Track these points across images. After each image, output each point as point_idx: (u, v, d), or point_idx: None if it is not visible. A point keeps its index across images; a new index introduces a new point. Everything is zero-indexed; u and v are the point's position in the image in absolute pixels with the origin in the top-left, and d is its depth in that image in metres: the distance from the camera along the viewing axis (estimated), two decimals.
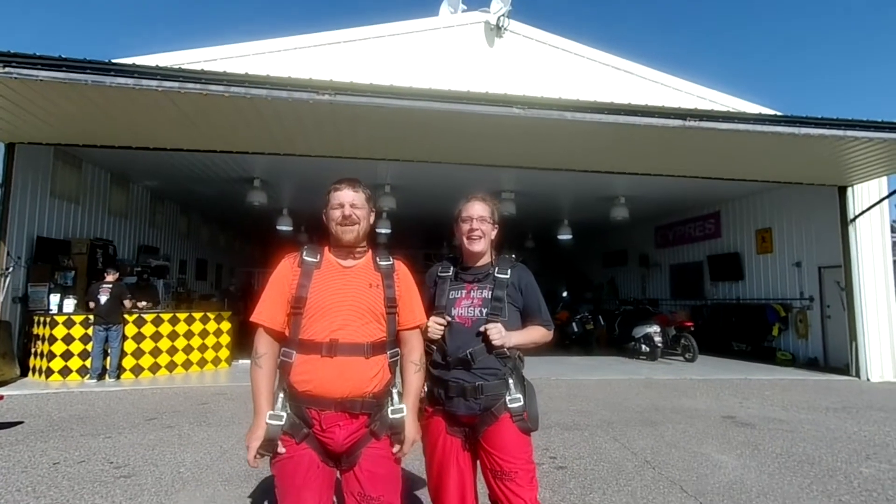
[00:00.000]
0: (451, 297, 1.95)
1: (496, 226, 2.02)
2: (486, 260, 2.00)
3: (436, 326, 1.88)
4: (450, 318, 1.89)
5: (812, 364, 9.59)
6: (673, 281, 14.03)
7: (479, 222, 1.95)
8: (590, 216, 13.32)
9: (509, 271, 1.95)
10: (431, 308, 1.98)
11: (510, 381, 1.87)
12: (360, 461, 1.58)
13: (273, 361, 1.63)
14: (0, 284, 6.85)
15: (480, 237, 1.95)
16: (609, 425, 4.95)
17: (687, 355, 9.98)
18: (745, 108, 9.01)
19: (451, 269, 2.02)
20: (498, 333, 1.82)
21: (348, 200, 1.67)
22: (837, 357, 9.21)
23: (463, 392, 1.83)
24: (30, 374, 7.38)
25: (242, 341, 8.92)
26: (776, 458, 4.02)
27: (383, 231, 12.60)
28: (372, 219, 1.76)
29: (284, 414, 1.57)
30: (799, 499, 3.21)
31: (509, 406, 1.83)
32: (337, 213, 1.67)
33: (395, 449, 1.65)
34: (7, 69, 5.04)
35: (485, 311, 1.88)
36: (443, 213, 13.42)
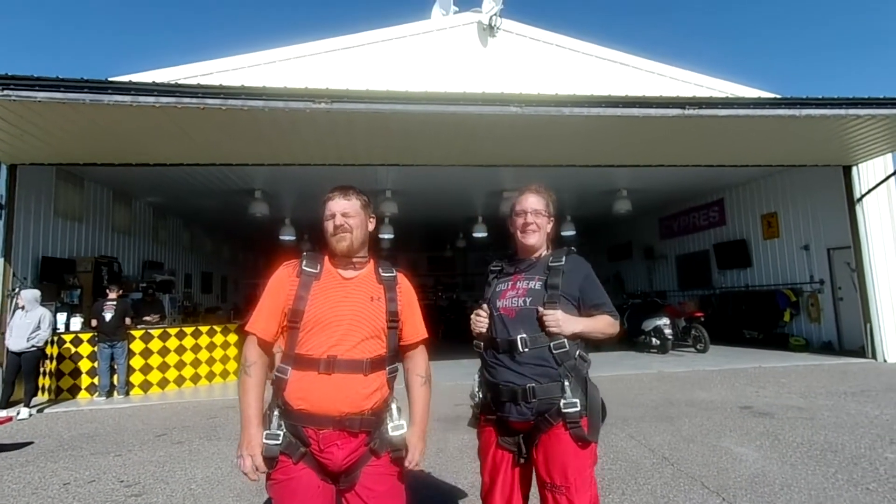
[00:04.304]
0: (497, 289, 1.86)
1: (552, 218, 1.92)
2: (540, 252, 1.90)
3: (477, 319, 1.81)
4: (494, 311, 1.81)
5: (827, 348, 9.47)
6: (680, 272, 13.91)
7: (533, 216, 1.86)
8: (592, 211, 13.26)
9: (564, 258, 1.83)
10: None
11: (566, 383, 1.70)
12: (360, 480, 1.53)
13: (263, 371, 1.58)
14: (7, 305, 6.86)
15: (535, 231, 1.85)
16: (624, 422, 4.87)
17: (698, 346, 9.87)
18: (744, 93, 8.93)
19: (502, 263, 1.95)
20: (554, 320, 1.69)
21: (339, 210, 1.62)
22: (852, 340, 9.09)
23: (514, 396, 1.70)
24: (39, 393, 7.38)
25: None
26: (797, 447, 3.94)
27: (386, 236, 12.58)
28: (371, 226, 1.70)
29: (281, 433, 1.50)
30: (824, 489, 3.12)
31: (563, 411, 1.67)
32: (329, 224, 1.63)
33: (406, 462, 1.59)
34: (5, 91, 5.06)
35: (528, 300, 1.76)
36: (445, 215, 13.53)
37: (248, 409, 1.52)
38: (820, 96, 6.27)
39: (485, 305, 1.86)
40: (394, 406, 1.62)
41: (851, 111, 6.30)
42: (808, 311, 9.93)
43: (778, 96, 7.31)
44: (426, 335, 1.75)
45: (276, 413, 1.53)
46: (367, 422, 1.54)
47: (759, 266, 11.23)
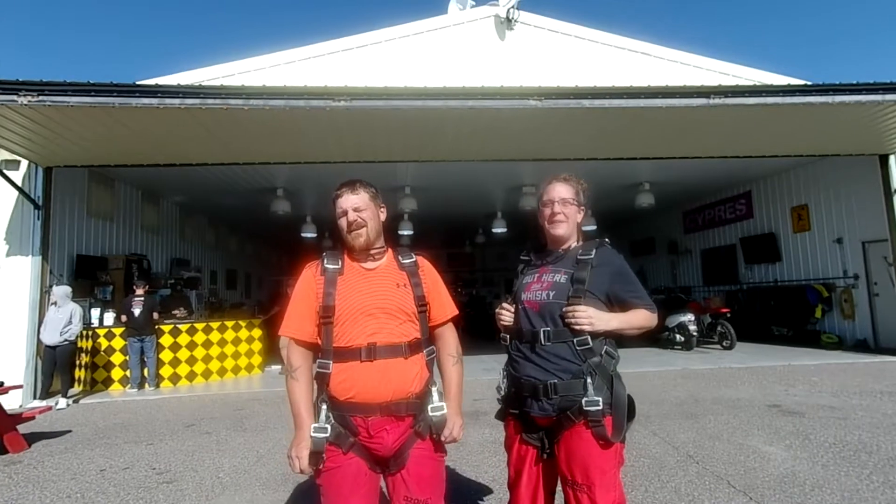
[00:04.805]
0: (524, 282, 1.84)
1: (582, 207, 1.85)
2: (570, 244, 1.84)
3: (502, 313, 1.81)
4: (520, 304, 1.79)
5: (861, 346, 9.10)
6: (705, 267, 13.57)
7: (561, 205, 1.79)
8: (613, 205, 13.01)
9: (593, 251, 1.75)
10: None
11: (588, 380, 1.64)
12: (407, 463, 1.57)
13: (308, 372, 1.62)
14: (45, 301, 7.18)
15: (563, 221, 1.79)
16: (647, 419, 4.79)
17: (724, 343, 9.63)
18: (773, 81, 8.62)
19: (531, 255, 1.92)
20: (585, 318, 1.63)
21: (350, 205, 1.64)
22: (889, 337, 8.72)
23: (535, 391, 1.67)
24: (75, 384, 7.72)
25: (273, 348, 9.11)
26: (829, 447, 3.81)
27: (406, 233, 12.64)
28: (383, 216, 1.72)
29: (329, 426, 1.54)
30: (858, 490, 3.01)
31: (585, 409, 1.62)
32: (343, 221, 1.65)
33: (443, 436, 1.62)
34: (40, 97, 5.28)
35: (552, 293, 1.71)
36: (464, 211, 13.52)
37: (300, 413, 1.56)
38: (854, 82, 6.01)
39: (510, 299, 1.85)
40: (434, 389, 1.66)
41: (889, 97, 6.02)
42: (842, 307, 9.57)
43: (808, 83, 7.04)
44: (455, 312, 1.77)
45: (324, 407, 1.57)
46: (413, 405, 1.58)
47: (788, 260, 10.86)
